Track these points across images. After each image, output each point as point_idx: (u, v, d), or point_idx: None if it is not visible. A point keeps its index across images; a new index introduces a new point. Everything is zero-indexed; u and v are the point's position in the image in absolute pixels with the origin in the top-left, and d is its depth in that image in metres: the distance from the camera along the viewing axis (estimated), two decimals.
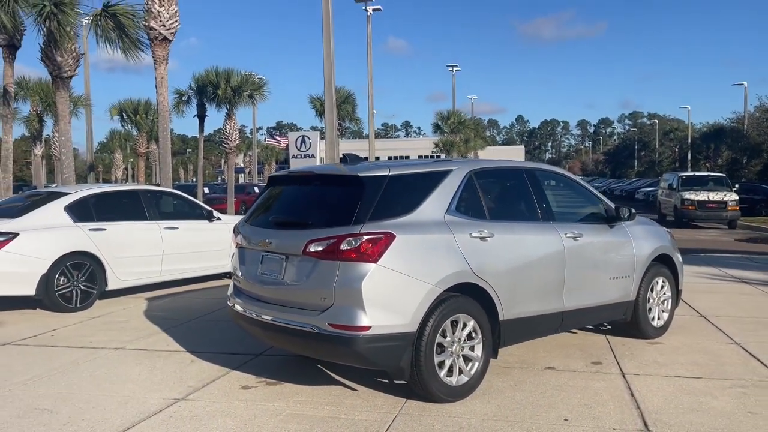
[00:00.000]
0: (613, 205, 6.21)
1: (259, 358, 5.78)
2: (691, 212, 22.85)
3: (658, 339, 6.40)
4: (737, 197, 23.07)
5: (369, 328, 4.26)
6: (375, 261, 4.32)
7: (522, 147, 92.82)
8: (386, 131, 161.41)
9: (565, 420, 4.29)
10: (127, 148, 52.13)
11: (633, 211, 6.26)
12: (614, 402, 4.63)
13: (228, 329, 6.69)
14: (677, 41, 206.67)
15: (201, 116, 29.04)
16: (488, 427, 4.17)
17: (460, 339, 4.69)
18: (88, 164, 31.95)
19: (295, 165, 19.88)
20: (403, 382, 4.61)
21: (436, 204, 4.80)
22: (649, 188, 40.72)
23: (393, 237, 4.40)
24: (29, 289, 7.76)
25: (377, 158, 36.13)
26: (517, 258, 5.10)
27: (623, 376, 5.22)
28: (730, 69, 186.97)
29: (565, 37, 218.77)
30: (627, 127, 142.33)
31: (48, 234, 7.97)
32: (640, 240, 6.29)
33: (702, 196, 22.74)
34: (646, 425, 4.20)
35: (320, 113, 32.18)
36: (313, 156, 20.96)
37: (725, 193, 23.11)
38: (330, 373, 5.31)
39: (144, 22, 14.82)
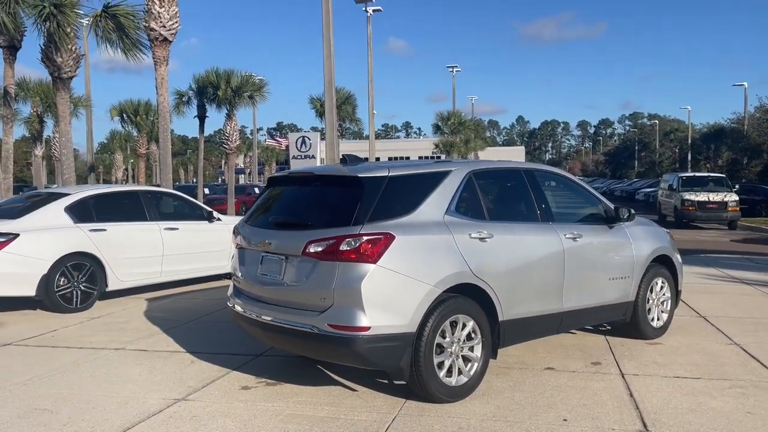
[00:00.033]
0: (612, 206, 6.21)
1: (259, 359, 5.79)
2: (691, 213, 22.83)
3: (657, 339, 6.41)
4: (737, 198, 23.04)
5: (368, 328, 4.27)
6: (374, 261, 4.33)
7: (522, 148, 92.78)
8: (386, 132, 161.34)
9: (564, 420, 4.29)
10: (127, 149, 52.19)
11: (632, 211, 6.26)
12: (613, 402, 4.63)
13: (228, 330, 6.70)
14: (677, 42, 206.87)
15: (201, 117, 29.08)
16: (487, 428, 4.18)
17: (459, 339, 4.69)
18: (88, 165, 31.96)
19: (296, 166, 19.94)
20: (403, 382, 4.61)
21: (435, 204, 4.81)
22: (649, 189, 40.71)
23: (392, 238, 4.41)
24: (30, 290, 7.77)
25: (377, 159, 36.20)
26: (517, 259, 5.11)
27: (622, 377, 5.23)
28: (730, 70, 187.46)
29: (566, 37, 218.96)
30: (627, 127, 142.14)
31: (48, 235, 7.98)
32: (640, 241, 6.29)
33: (702, 197, 22.72)
34: (645, 425, 4.21)
35: (320, 114, 32.15)
36: (313, 157, 21.01)
37: (725, 193, 23.10)
38: (330, 373, 5.32)
39: (144, 23, 14.85)
